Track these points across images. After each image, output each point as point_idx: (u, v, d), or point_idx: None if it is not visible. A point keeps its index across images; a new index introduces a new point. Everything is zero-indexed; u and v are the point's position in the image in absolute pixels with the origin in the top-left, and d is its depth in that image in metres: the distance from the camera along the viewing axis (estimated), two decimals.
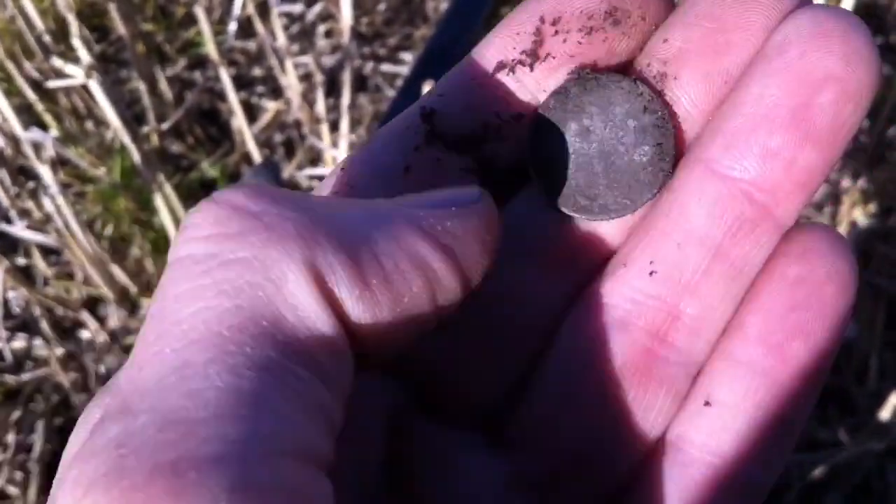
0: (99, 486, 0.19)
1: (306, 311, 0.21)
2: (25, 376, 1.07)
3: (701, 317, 0.27)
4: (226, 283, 0.21)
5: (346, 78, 1.04)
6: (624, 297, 0.28)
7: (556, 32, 0.27)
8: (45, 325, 1.07)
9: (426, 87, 0.82)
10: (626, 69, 0.29)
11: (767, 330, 0.27)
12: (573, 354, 0.28)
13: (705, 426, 0.27)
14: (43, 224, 1.06)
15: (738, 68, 0.26)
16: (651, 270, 0.27)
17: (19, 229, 1.07)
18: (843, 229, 1.05)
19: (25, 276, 1.11)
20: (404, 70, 1.28)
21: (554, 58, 0.28)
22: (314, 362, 0.21)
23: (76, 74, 0.93)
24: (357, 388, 0.24)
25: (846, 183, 1.09)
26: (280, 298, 0.21)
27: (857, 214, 1.07)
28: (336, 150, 1.09)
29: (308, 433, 0.20)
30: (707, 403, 0.27)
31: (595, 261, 0.29)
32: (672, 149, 0.27)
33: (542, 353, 0.28)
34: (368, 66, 1.29)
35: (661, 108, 0.27)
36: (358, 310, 0.22)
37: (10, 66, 1.11)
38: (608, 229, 0.29)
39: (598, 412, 0.28)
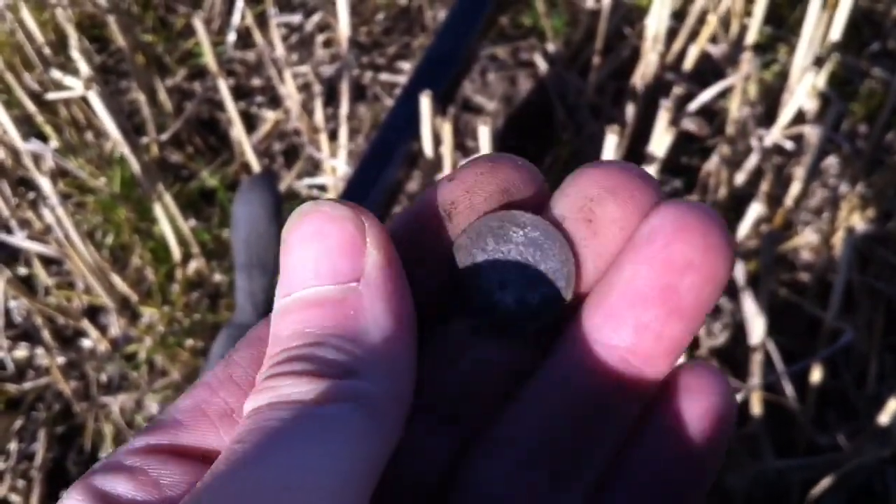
0: None
1: (384, 447, 0.26)
2: (27, 385, 1.08)
3: (576, 471, 0.30)
4: (332, 424, 0.26)
5: (345, 87, 1.04)
6: (520, 444, 0.31)
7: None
8: (46, 334, 1.07)
9: (424, 97, 0.82)
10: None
11: (647, 461, 0.31)
12: (471, 499, 0.31)
13: None
14: (43, 234, 1.07)
15: (608, 251, 0.30)
16: (542, 422, 0.30)
17: (20, 239, 1.07)
18: (841, 234, 1.06)
19: (27, 285, 1.12)
20: (403, 79, 1.28)
21: None
22: (373, 484, 0.26)
23: (75, 86, 0.94)
24: None
25: (844, 188, 1.09)
26: (365, 437, 0.26)
27: (855, 219, 1.07)
28: (335, 160, 1.10)
29: None
30: None
31: (486, 411, 0.31)
32: (571, 253, 0.31)
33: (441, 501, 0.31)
34: (367, 76, 1.30)
35: (549, 226, 0.31)
36: (406, 402, 0.28)
37: (10, 77, 1.11)
38: (502, 380, 0.31)
39: None
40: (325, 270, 0.28)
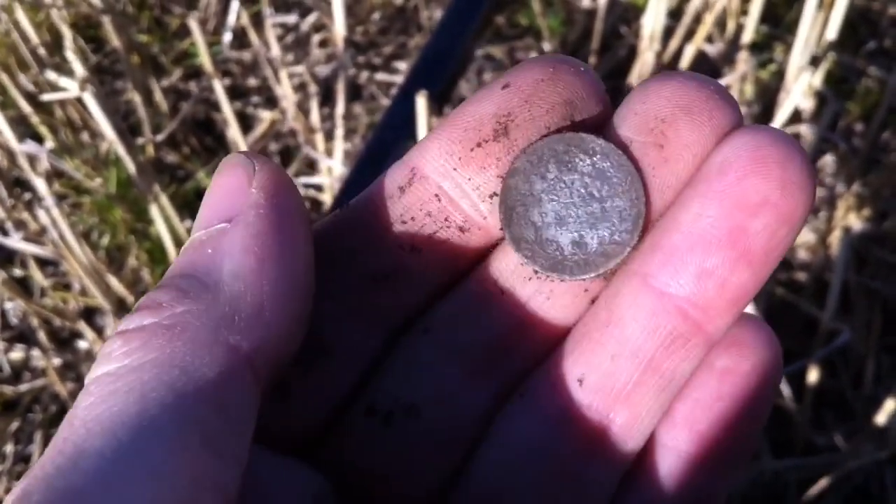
0: None
1: (211, 385, 0.23)
2: (23, 387, 1.07)
3: (629, 425, 0.28)
4: (135, 383, 0.23)
5: (341, 87, 1.04)
6: (555, 403, 0.28)
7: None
8: (42, 336, 1.07)
9: (420, 97, 0.82)
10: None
11: (693, 418, 0.28)
12: (503, 457, 0.29)
13: None
14: (39, 235, 1.06)
15: (679, 181, 0.27)
16: (581, 379, 0.28)
17: (15, 241, 1.07)
18: (837, 234, 1.06)
19: (22, 287, 1.11)
20: (399, 79, 1.28)
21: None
22: (211, 431, 0.23)
23: (70, 87, 0.94)
24: (278, 468, 0.27)
25: (841, 187, 1.09)
26: (185, 379, 0.23)
27: (851, 219, 1.07)
28: (331, 160, 1.09)
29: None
30: (635, 488, 0.29)
31: (525, 364, 0.29)
32: (643, 192, 0.27)
33: (472, 454, 0.29)
34: (363, 76, 1.30)
35: (623, 157, 0.27)
36: (260, 340, 0.25)
37: (5, 78, 1.11)
38: (541, 331, 0.29)
39: None
40: (207, 217, 0.26)
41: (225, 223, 0.26)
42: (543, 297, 0.29)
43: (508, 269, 0.29)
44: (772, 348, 0.29)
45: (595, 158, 0.27)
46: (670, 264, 0.26)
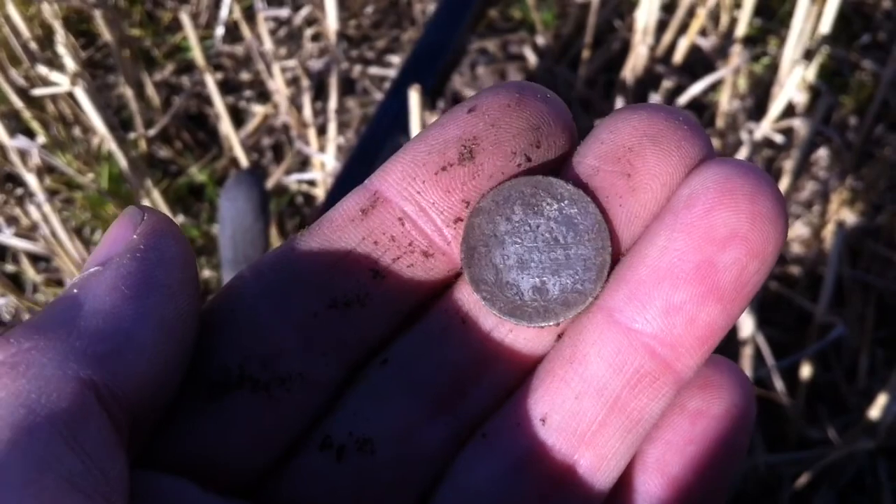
0: None
1: (61, 421, 0.22)
2: None
3: (595, 467, 0.27)
4: None
5: (334, 81, 1.04)
6: (517, 443, 0.27)
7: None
8: None
9: (413, 91, 0.82)
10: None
11: (665, 462, 0.28)
12: (462, 501, 0.28)
13: None
14: (31, 231, 1.06)
15: (647, 211, 0.26)
16: (545, 418, 0.27)
17: (7, 237, 1.06)
18: (831, 227, 1.06)
19: (14, 283, 1.11)
20: (392, 73, 1.28)
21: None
22: (69, 468, 0.22)
23: (62, 82, 0.93)
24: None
25: (834, 181, 1.09)
26: (32, 417, 0.22)
27: (845, 212, 1.07)
28: (324, 155, 1.09)
29: None
30: None
31: (487, 400, 0.28)
32: (610, 242, 0.27)
33: (430, 496, 0.28)
34: (356, 70, 1.29)
35: (591, 204, 0.27)
36: (116, 375, 0.24)
37: None
38: (504, 366, 0.28)
39: None
40: (86, 264, 0.26)
41: (99, 266, 0.25)
42: (506, 329, 0.28)
43: (471, 300, 0.28)
44: (745, 390, 0.28)
45: (563, 204, 0.27)
46: (636, 299, 0.26)
